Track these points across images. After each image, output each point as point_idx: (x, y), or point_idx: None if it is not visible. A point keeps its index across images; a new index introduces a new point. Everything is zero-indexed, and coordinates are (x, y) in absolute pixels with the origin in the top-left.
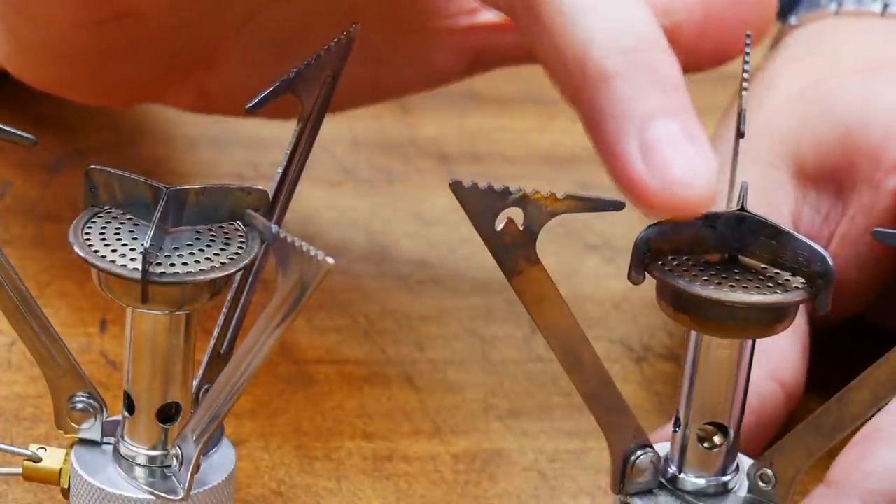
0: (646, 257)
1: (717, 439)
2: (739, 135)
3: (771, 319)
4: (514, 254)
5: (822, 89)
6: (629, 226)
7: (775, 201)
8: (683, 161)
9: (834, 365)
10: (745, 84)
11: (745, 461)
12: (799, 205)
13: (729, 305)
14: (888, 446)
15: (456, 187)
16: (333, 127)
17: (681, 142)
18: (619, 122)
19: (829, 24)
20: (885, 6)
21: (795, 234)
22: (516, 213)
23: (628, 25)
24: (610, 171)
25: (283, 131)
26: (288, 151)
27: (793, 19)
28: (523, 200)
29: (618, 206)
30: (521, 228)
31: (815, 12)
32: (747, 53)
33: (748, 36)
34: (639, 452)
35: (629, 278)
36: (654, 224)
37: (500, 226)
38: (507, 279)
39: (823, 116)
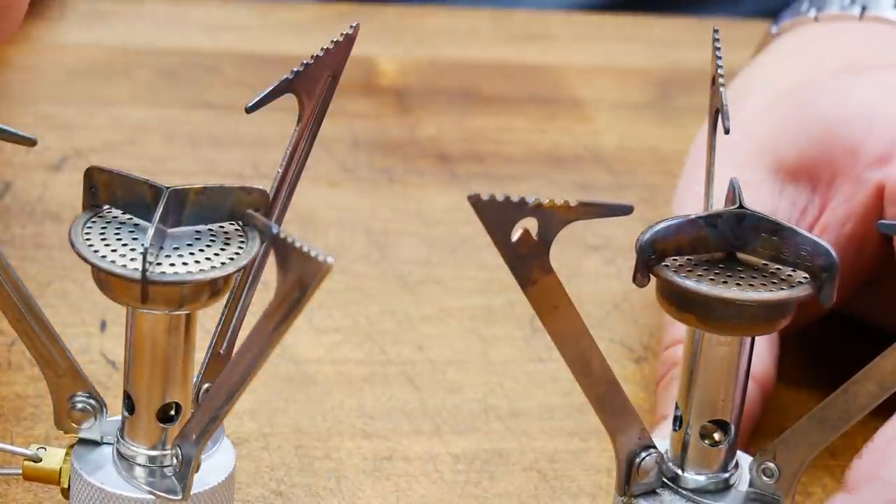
0: (650, 259)
1: (717, 436)
2: (725, 131)
3: (776, 315)
4: (530, 264)
5: (801, 90)
6: (629, 226)
7: (758, 197)
8: None
9: (824, 363)
10: (721, 80)
11: (743, 457)
12: (775, 202)
13: (739, 304)
14: None
15: (474, 201)
16: (333, 127)
17: None
18: None
19: (808, 29)
20: (864, 9)
21: (797, 228)
22: (530, 223)
23: None
24: None
25: (283, 131)
26: (288, 151)
27: (773, 28)
28: (538, 210)
29: (626, 210)
30: (535, 238)
31: (794, 20)
32: (718, 49)
33: (716, 31)
34: (643, 454)
35: (634, 281)
36: (657, 226)
37: (515, 236)
38: (522, 289)
39: (803, 114)
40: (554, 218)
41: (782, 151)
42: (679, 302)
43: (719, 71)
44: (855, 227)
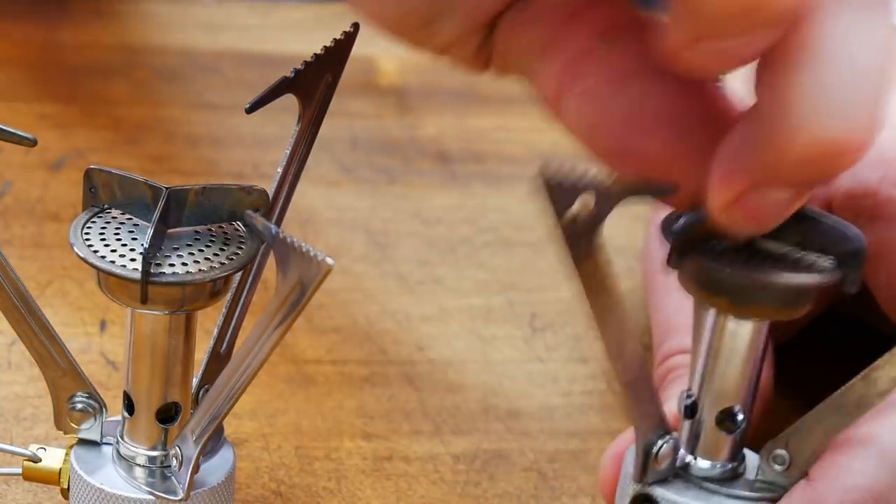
0: (685, 244)
1: (732, 423)
2: None
3: (804, 299)
4: (585, 239)
5: None
6: (629, 226)
7: None
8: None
9: (824, 363)
10: None
11: (746, 449)
12: None
13: (773, 287)
14: (870, 446)
15: (547, 175)
16: (333, 127)
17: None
18: None
19: None
20: None
21: (823, 214)
22: (587, 199)
23: None
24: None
25: (283, 131)
26: (288, 151)
27: None
28: (597, 185)
29: (672, 189)
30: (591, 214)
31: None
32: None
33: None
34: (660, 442)
35: (669, 264)
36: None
37: (573, 213)
38: (575, 266)
39: None
40: (608, 194)
41: None
42: (713, 286)
43: None
44: None
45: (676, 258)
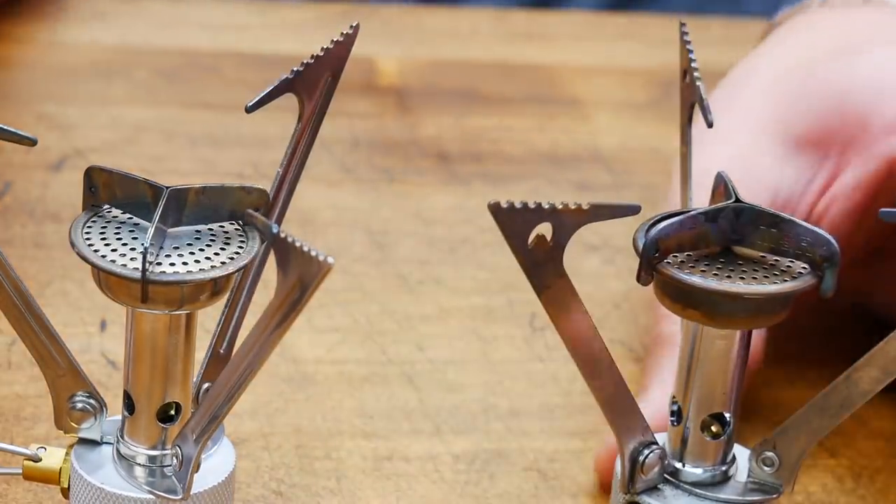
0: (654, 258)
1: (717, 428)
2: (709, 125)
3: (781, 307)
4: (545, 269)
5: (806, 66)
6: (629, 226)
7: (759, 169)
8: None
9: (824, 357)
10: (696, 74)
11: (739, 449)
12: (781, 171)
13: (746, 298)
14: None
15: (495, 209)
16: (333, 127)
17: None
18: None
19: (811, 13)
20: None
21: (797, 220)
22: (545, 228)
23: None
24: None
25: (283, 131)
26: (288, 151)
27: (777, 17)
28: (554, 214)
29: (634, 210)
30: (550, 243)
31: (796, 7)
32: (688, 43)
33: (683, 25)
34: (646, 451)
35: (639, 280)
36: (659, 224)
37: (531, 243)
38: (538, 294)
39: (813, 87)
40: (568, 222)
41: (790, 123)
42: (685, 299)
43: (693, 65)
44: (862, 199)
45: (646, 273)
